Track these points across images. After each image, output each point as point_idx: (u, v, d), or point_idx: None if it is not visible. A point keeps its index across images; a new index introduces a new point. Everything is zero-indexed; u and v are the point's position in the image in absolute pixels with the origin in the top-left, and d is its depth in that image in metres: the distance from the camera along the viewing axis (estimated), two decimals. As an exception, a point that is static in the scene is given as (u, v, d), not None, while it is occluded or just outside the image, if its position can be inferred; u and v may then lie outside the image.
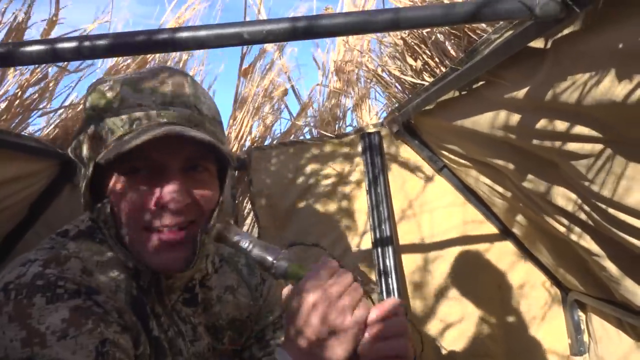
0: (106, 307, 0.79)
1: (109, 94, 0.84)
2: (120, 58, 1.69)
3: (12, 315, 0.73)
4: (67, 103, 1.60)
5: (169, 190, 0.82)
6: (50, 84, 1.47)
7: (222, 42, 0.72)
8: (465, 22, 0.72)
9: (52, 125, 1.62)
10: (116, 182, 0.84)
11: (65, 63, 1.50)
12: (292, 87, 2.08)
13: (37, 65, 1.40)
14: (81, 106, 1.64)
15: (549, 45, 0.86)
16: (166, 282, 0.91)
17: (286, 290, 0.79)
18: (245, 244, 0.81)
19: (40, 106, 1.46)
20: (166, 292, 0.92)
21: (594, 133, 0.92)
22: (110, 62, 1.72)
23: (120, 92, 0.83)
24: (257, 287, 1.12)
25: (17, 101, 1.36)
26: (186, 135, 0.79)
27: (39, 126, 1.60)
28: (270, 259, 0.79)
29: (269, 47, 2.01)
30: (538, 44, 0.87)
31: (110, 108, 0.83)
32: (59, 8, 1.30)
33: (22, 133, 1.44)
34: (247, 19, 1.86)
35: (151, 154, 0.82)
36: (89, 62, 1.63)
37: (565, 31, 0.79)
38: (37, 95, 1.43)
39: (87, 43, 0.69)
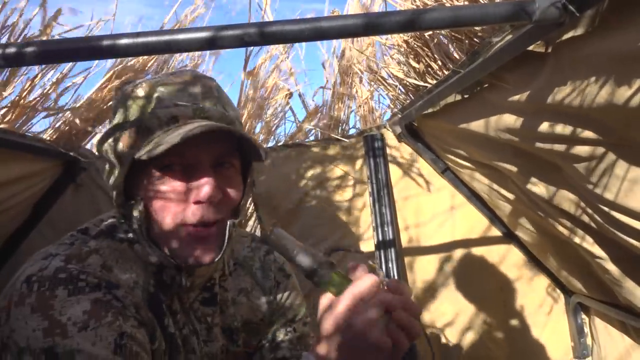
0: (125, 302, 0.82)
1: (145, 94, 0.86)
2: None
3: (34, 306, 0.76)
4: (70, 104, 1.61)
5: (203, 186, 0.84)
6: (55, 85, 1.48)
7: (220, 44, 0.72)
8: (465, 26, 0.73)
9: (56, 126, 1.63)
10: (151, 178, 0.85)
11: (72, 64, 1.51)
12: (298, 90, 2.08)
13: (42, 66, 1.41)
14: (84, 107, 1.65)
15: (550, 49, 0.86)
16: (186, 280, 0.93)
17: (325, 300, 0.76)
18: (291, 248, 0.80)
19: (45, 107, 1.47)
20: (186, 290, 0.94)
21: (595, 136, 0.92)
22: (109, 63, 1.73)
23: (157, 92, 0.86)
24: (271, 290, 1.13)
25: (21, 102, 1.37)
26: (233, 130, 0.83)
27: (43, 127, 1.61)
28: (314, 266, 0.78)
29: (274, 49, 2.02)
30: (539, 47, 0.87)
31: (147, 107, 0.85)
32: (58, 15, 1.30)
33: (26, 133, 1.45)
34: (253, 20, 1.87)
35: (185, 151, 0.83)
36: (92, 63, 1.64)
37: (566, 35, 0.79)
38: (41, 96, 1.44)
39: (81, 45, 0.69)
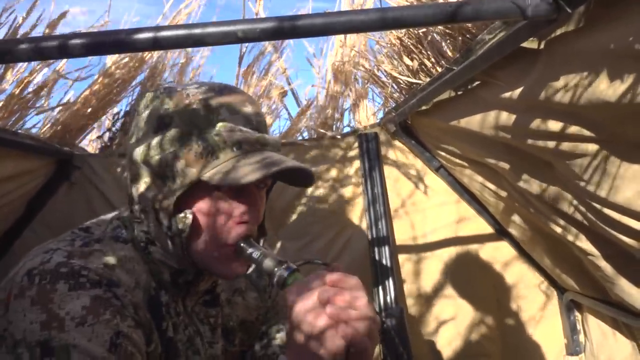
0: (124, 301, 0.82)
1: (203, 112, 0.86)
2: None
3: (34, 299, 0.76)
4: (64, 102, 1.61)
5: (251, 210, 0.87)
6: (48, 83, 1.48)
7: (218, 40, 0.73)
8: (457, 22, 0.73)
9: (50, 124, 1.62)
10: (203, 197, 0.86)
11: (64, 61, 1.51)
12: (291, 88, 2.08)
13: (36, 63, 1.41)
14: (78, 105, 1.64)
15: (542, 46, 0.86)
16: (198, 284, 0.95)
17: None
18: (257, 255, 0.84)
19: (38, 105, 1.47)
20: (191, 293, 0.96)
21: (587, 133, 0.93)
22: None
23: (215, 109, 0.86)
24: (265, 289, 1.15)
25: (15, 99, 1.37)
26: (303, 168, 0.87)
27: (36, 124, 1.61)
28: (275, 269, 0.81)
29: (268, 48, 2.02)
30: (531, 44, 0.88)
31: (207, 124, 0.85)
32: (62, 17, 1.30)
33: (19, 131, 1.44)
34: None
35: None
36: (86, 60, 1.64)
37: (558, 32, 0.80)
38: (34, 93, 1.43)
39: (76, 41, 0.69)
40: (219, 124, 0.85)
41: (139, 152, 0.87)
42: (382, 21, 0.69)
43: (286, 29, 0.69)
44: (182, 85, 0.91)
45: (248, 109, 0.88)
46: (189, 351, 0.94)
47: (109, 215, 0.96)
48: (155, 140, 0.86)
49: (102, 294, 0.79)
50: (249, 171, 0.81)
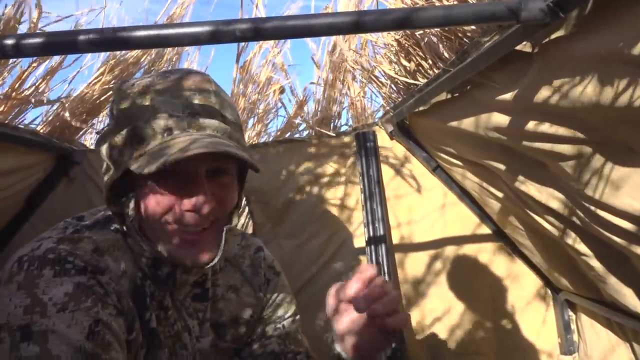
0: (107, 289, 0.83)
1: (141, 101, 0.86)
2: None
3: (21, 284, 0.78)
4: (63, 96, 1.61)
5: (196, 198, 0.85)
6: (47, 77, 1.48)
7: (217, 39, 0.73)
8: (455, 25, 0.74)
9: (49, 119, 1.63)
10: (143, 183, 0.86)
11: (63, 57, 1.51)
12: (289, 85, 2.09)
13: (34, 58, 1.41)
14: (76, 98, 1.65)
15: (536, 49, 0.87)
16: (181, 277, 0.94)
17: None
18: None
19: (37, 99, 1.47)
20: (178, 286, 0.96)
21: (580, 135, 0.94)
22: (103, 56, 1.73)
23: (152, 99, 0.86)
24: (260, 287, 1.15)
25: (14, 93, 1.37)
26: (229, 152, 0.82)
27: (36, 119, 1.61)
28: None
29: (266, 44, 2.02)
30: (526, 47, 0.89)
31: (143, 115, 0.85)
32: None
33: (19, 126, 1.45)
34: (245, 16, 1.87)
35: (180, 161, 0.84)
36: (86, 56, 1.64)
37: (552, 35, 0.81)
38: (33, 87, 1.44)
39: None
40: (150, 111, 0.85)
41: (97, 146, 0.92)
42: (384, 22, 0.70)
43: (250, 31, 0.70)
44: (142, 77, 0.92)
45: (192, 95, 0.87)
46: (176, 345, 0.95)
47: (103, 206, 0.97)
48: (102, 133, 0.90)
49: (86, 281, 0.81)
50: (167, 158, 0.79)
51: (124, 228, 0.92)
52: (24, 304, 0.76)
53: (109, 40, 0.70)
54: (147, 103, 0.86)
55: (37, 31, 1.31)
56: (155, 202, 0.86)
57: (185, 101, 0.87)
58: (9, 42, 0.70)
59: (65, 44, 0.71)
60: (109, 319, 0.81)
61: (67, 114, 1.58)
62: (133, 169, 0.82)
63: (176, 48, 1.96)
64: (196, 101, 0.87)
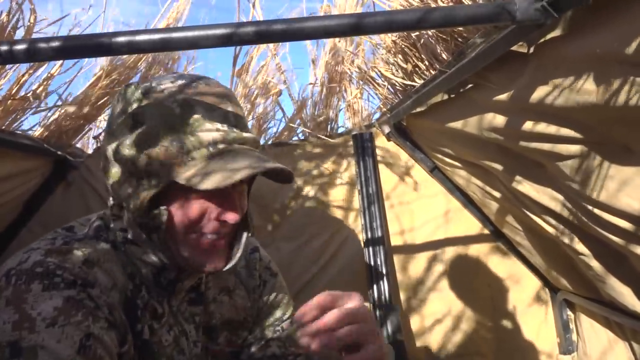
0: (98, 302, 0.81)
1: (179, 110, 0.84)
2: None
3: (9, 299, 0.76)
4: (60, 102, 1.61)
5: (229, 209, 0.86)
6: (45, 82, 1.48)
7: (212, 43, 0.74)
8: (447, 26, 0.74)
9: (47, 124, 1.63)
10: (178, 195, 0.85)
11: (61, 62, 1.51)
12: (287, 87, 2.09)
13: (32, 64, 1.41)
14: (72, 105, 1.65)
15: (532, 50, 0.88)
16: (182, 283, 0.94)
17: None
18: None
19: (34, 105, 1.47)
20: (176, 292, 0.95)
21: (577, 135, 0.95)
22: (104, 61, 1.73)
23: (192, 108, 0.84)
24: (255, 289, 1.13)
25: (11, 99, 1.37)
26: (277, 168, 0.84)
27: (33, 125, 1.61)
28: None
29: (263, 47, 2.02)
30: (522, 48, 0.89)
31: (182, 126, 0.83)
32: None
33: (16, 131, 1.45)
34: (242, 18, 1.87)
35: None
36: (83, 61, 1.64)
37: (548, 36, 0.81)
38: (30, 93, 1.44)
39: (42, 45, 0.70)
40: (195, 123, 0.83)
41: (112, 148, 0.87)
42: (379, 24, 0.71)
43: (236, 35, 0.71)
44: (158, 79, 0.89)
45: (226, 105, 0.87)
46: (174, 351, 0.94)
47: (94, 214, 0.96)
48: (129, 138, 0.85)
49: (76, 295, 0.79)
50: (224, 174, 0.79)
51: (122, 236, 0.90)
52: (12, 320, 0.74)
53: (120, 44, 0.70)
54: (186, 112, 0.84)
55: (52, 35, 1.31)
56: (189, 212, 0.85)
57: (224, 113, 0.86)
58: (21, 46, 0.70)
59: (81, 47, 0.72)
60: (101, 333, 0.79)
61: (64, 119, 1.58)
62: (183, 182, 0.81)
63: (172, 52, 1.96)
64: (230, 109, 0.87)
